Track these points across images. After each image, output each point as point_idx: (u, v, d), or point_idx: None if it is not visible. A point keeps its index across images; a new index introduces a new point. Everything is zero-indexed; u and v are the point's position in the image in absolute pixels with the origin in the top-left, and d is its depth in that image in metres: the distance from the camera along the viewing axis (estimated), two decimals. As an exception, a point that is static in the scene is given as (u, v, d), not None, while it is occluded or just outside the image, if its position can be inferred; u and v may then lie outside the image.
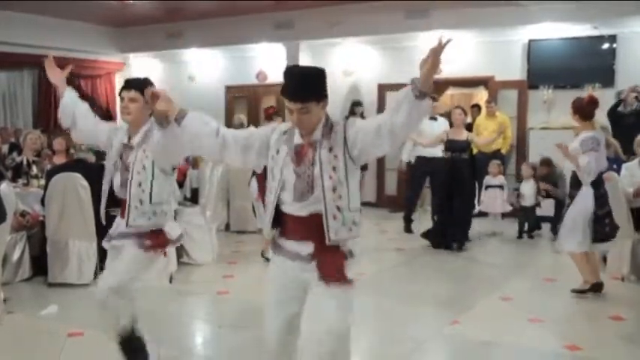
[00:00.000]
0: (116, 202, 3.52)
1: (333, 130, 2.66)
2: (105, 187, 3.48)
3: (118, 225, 3.49)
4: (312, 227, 2.63)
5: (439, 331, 4.67)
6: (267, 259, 5.62)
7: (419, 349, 4.36)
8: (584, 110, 5.34)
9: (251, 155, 2.79)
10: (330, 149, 2.62)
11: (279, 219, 2.73)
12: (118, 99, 14.89)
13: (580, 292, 5.43)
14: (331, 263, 2.64)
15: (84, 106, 3.53)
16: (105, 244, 3.56)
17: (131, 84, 3.40)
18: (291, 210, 2.68)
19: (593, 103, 5.40)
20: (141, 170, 3.31)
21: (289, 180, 2.67)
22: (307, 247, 2.67)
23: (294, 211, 2.67)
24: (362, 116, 10.29)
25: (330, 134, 2.65)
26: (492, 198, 8.48)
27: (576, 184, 5.41)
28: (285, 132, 2.75)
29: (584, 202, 5.26)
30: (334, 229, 2.60)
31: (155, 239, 3.40)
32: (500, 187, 8.51)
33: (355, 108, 10.56)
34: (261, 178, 6.16)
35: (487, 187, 8.55)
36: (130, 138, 3.41)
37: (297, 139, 2.70)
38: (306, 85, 2.62)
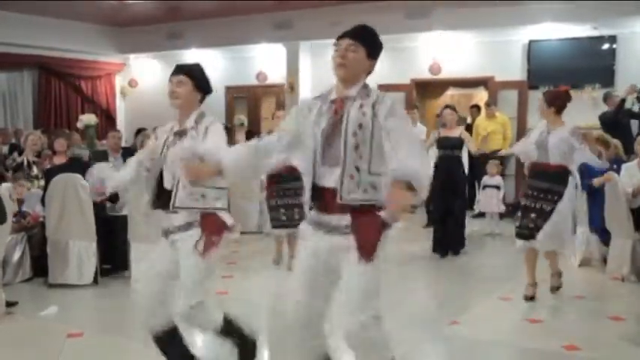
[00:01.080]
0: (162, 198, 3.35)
1: (368, 93, 2.66)
2: (152, 184, 3.35)
3: (171, 218, 3.32)
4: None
5: (438, 332, 4.67)
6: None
7: (418, 349, 4.36)
8: (560, 101, 5.11)
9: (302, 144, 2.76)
10: (361, 106, 2.61)
11: (315, 193, 2.69)
12: (118, 100, 14.98)
13: (559, 287, 5.47)
14: (368, 235, 2.57)
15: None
16: (164, 241, 3.38)
17: (179, 68, 3.37)
18: (324, 181, 2.64)
19: (568, 94, 5.21)
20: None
21: (319, 140, 2.64)
22: (344, 219, 2.61)
23: (326, 183, 2.63)
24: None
25: (365, 96, 2.65)
26: (489, 197, 8.50)
27: (551, 179, 5.07)
28: (318, 96, 2.77)
29: (572, 198, 5.10)
30: (347, 188, 2.56)
31: (210, 225, 3.25)
32: (497, 187, 8.52)
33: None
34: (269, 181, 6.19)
35: (484, 186, 8.56)
36: (180, 124, 3.34)
37: (333, 95, 2.71)
38: (365, 31, 2.70)
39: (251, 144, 2.92)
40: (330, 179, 2.62)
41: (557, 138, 5.00)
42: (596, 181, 6.27)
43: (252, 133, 8.87)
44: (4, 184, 5.75)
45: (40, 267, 5.99)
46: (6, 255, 5.43)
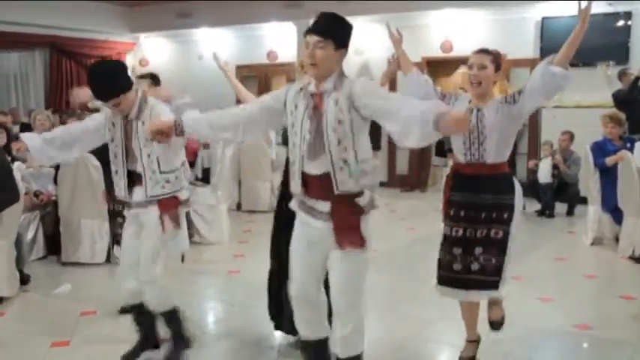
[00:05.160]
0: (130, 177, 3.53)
1: (344, 84, 2.69)
2: (118, 168, 3.49)
3: (136, 194, 3.50)
4: (326, 186, 2.69)
5: (449, 310, 4.67)
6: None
7: (429, 327, 4.38)
8: (500, 63, 3.66)
9: (267, 123, 2.96)
10: (337, 102, 2.65)
11: (303, 177, 2.79)
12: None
13: (502, 322, 3.75)
14: (347, 223, 2.70)
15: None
16: (125, 212, 3.61)
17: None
18: (308, 168, 2.74)
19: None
20: (146, 142, 3.34)
21: (307, 137, 2.71)
22: (325, 205, 2.73)
23: (310, 170, 2.73)
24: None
25: (340, 87, 2.68)
26: None
27: (495, 188, 3.37)
28: (301, 89, 2.79)
29: (520, 214, 3.45)
30: (341, 180, 2.66)
31: (168, 203, 3.47)
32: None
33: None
34: None
35: None
36: (127, 115, 3.42)
37: (312, 88, 2.74)
38: (330, 22, 2.70)
39: (217, 112, 3.01)
40: (315, 168, 2.72)
41: (494, 111, 3.41)
42: (609, 160, 6.23)
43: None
44: (16, 163, 5.79)
45: (53, 245, 6.06)
46: (20, 233, 5.49)
